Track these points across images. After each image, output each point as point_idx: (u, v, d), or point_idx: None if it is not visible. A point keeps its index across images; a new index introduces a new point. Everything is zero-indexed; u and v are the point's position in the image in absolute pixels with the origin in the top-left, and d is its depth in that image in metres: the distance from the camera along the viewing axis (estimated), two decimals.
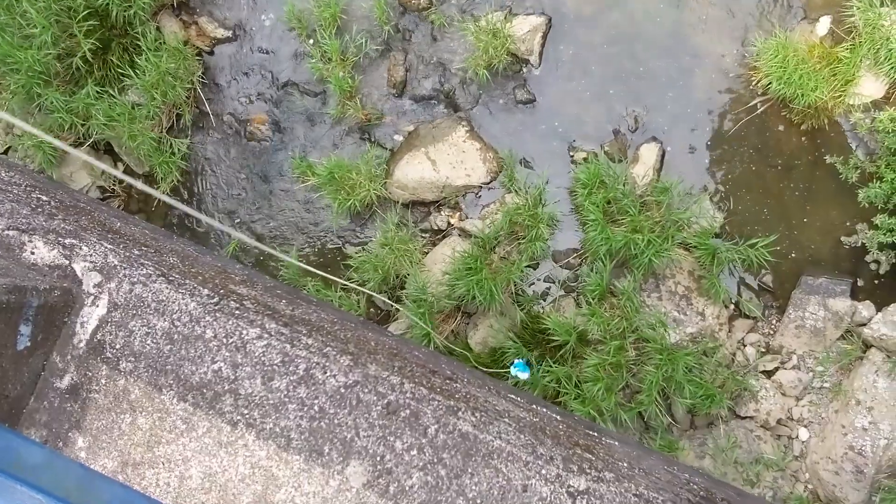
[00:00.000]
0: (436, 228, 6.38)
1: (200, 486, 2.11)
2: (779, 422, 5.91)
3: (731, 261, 5.91)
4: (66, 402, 2.17)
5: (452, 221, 6.35)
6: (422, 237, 6.36)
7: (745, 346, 6.07)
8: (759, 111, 6.05)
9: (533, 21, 6.25)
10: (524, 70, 6.31)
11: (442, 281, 6.02)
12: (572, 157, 6.26)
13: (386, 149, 6.44)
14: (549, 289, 6.24)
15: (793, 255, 6.00)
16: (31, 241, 2.26)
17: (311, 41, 6.44)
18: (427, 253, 6.32)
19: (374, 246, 6.28)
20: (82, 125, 6.27)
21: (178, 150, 6.46)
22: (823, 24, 5.88)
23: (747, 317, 6.08)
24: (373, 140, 6.45)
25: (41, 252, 2.25)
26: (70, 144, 6.28)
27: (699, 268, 6.02)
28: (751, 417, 5.92)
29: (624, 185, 6.00)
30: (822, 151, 5.94)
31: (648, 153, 6.15)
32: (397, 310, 6.24)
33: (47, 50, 6.02)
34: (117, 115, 6.18)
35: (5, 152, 6.68)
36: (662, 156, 6.17)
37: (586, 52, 6.27)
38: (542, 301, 6.23)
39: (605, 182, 6.00)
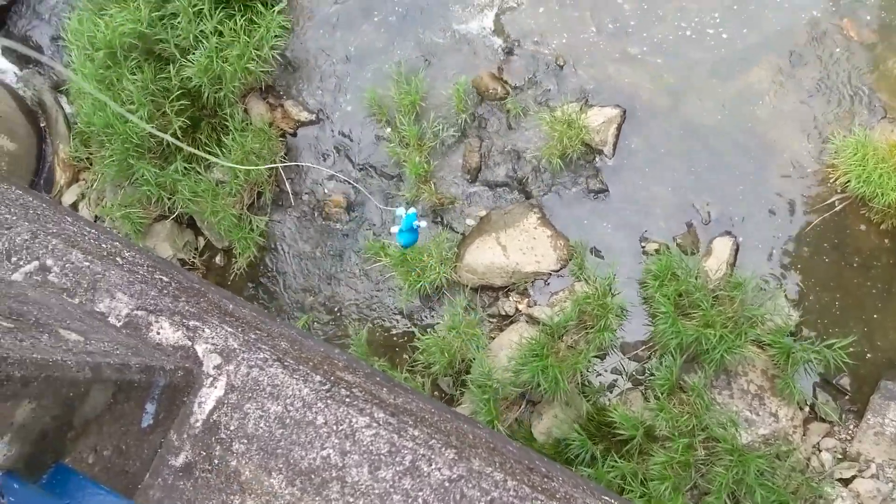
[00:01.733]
0: (503, 314, 6.46)
1: None
2: None
3: (807, 361, 5.83)
4: (179, 480, 2.29)
5: (520, 307, 6.43)
6: (489, 322, 6.45)
7: (820, 450, 5.93)
8: (836, 209, 6.07)
9: (608, 112, 6.44)
10: (598, 160, 6.47)
11: (507, 367, 6.07)
12: (644, 248, 6.33)
13: (457, 232, 6.62)
14: (616, 381, 6.23)
15: (872, 357, 5.91)
16: (157, 322, 2.42)
17: (390, 127, 6.73)
18: (494, 338, 6.39)
19: (441, 329, 6.38)
20: (169, 199, 6.60)
21: (257, 226, 6.74)
22: None
23: (823, 420, 5.96)
24: (445, 223, 6.64)
25: (167, 332, 2.41)
26: (156, 218, 6.64)
27: (773, 367, 5.95)
28: None
29: (696, 279, 6.02)
30: None
31: (722, 247, 6.19)
32: (461, 393, 6.29)
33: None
34: (202, 191, 6.50)
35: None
36: (736, 250, 6.19)
37: (660, 144, 6.41)
38: (608, 393, 6.21)
39: (676, 274, 6.04)
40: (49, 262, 2.49)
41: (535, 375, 5.84)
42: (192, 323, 2.43)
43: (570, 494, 2.32)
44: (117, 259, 2.62)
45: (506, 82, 6.69)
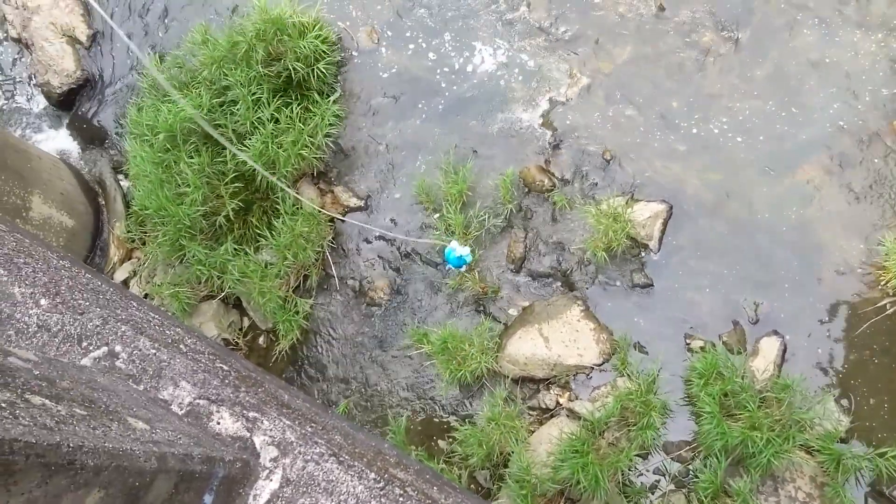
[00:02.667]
0: (544, 407, 6.50)
1: None
2: None
3: (858, 469, 5.74)
4: None
5: (562, 401, 6.47)
6: (529, 415, 6.50)
7: None
8: (888, 311, 6.06)
9: (654, 207, 6.59)
10: (643, 254, 6.59)
11: (546, 462, 6.08)
12: (688, 345, 6.36)
13: (500, 322, 6.74)
14: (658, 482, 6.18)
15: None
16: (218, 412, 2.57)
17: (437, 214, 6.96)
18: (533, 432, 6.42)
19: (480, 420, 6.44)
20: (217, 279, 6.88)
21: (302, 309, 6.94)
22: None
23: None
24: (488, 313, 6.77)
25: (226, 423, 2.55)
26: (204, 297, 6.90)
27: (822, 474, 5.86)
28: None
29: (742, 379, 6.03)
30: None
31: (769, 347, 6.20)
32: (498, 488, 6.30)
33: (196, 207, 6.75)
34: (250, 272, 6.76)
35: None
36: (784, 351, 6.19)
37: (707, 240, 6.52)
38: (650, 494, 6.16)
39: (722, 373, 6.05)
40: (118, 348, 2.68)
41: (575, 472, 5.84)
42: (251, 414, 2.58)
43: None
44: (181, 346, 2.79)
45: (553, 174, 6.90)
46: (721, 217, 6.53)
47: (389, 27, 7.61)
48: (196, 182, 6.81)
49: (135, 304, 3.08)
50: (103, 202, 8.03)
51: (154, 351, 2.71)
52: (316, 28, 7.24)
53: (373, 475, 2.49)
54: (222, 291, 7.02)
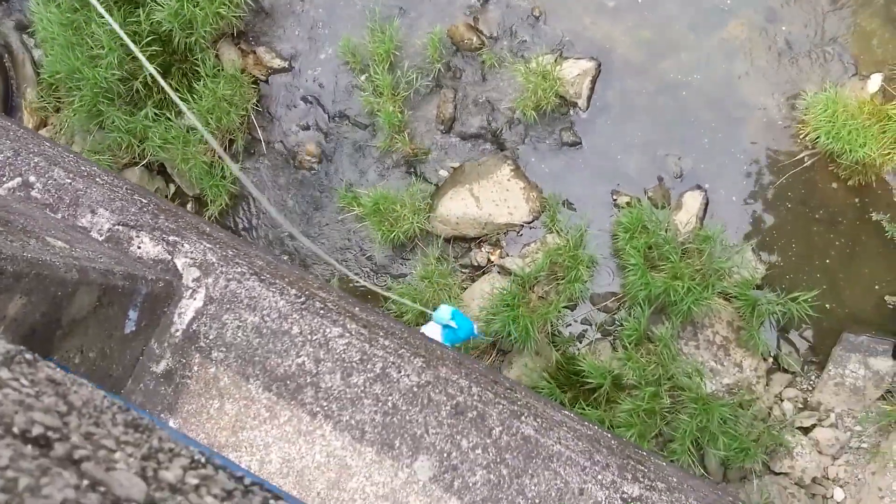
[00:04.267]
0: (476, 265, 6.67)
1: (279, 470, 2.38)
2: (814, 480, 6.05)
3: (772, 313, 6.12)
4: (160, 386, 2.46)
5: (493, 258, 6.65)
6: (461, 272, 6.66)
7: (782, 400, 6.25)
8: (805, 164, 6.32)
9: (583, 65, 6.61)
10: (572, 113, 6.66)
11: (479, 317, 6.29)
12: (615, 201, 6.55)
13: (431, 183, 6.79)
14: (585, 331, 6.48)
15: (835, 311, 6.21)
16: (138, 237, 2.58)
17: (364, 75, 6.85)
18: (466, 288, 6.61)
19: (414, 278, 6.58)
20: (139, 146, 6.70)
21: (229, 174, 6.85)
22: (874, 82, 6.17)
23: (786, 371, 6.27)
24: (418, 174, 6.81)
25: (147, 247, 2.57)
26: (125, 164, 6.73)
27: (738, 319, 6.24)
28: (785, 474, 6.07)
29: (666, 232, 6.28)
30: (868, 208, 6.19)
31: (692, 201, 6.43)
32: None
33: (112, 70, 6.48)
34: (172, 139, 6.60)
35: None
36: (706, 204, 6.44)
37: (634, 98, 6.61)
38: (578, 343, 6.47)
39: (647, 227, 6.28)
40: (32, 178, 2.64)
41: (507, 325, 6.09)
42: (171, 238, 2.60)
43: (532, 403, 2.53)
44: (97, 179, 2.77)
45: (481, 32, 6.83)
46: (649, 75, 6.60)
47: None
48: (110, 44, 6.52)
49: (48, 143, 3.02)
50: (11, 67, 7.63)
51: (70, 181, 2.68)
52: None
53: (294, 291, 2.57)
54: (144, 158, 6.85)
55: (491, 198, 6.61)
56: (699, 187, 6.47)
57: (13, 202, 2.53)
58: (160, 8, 6.54)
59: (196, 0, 6.59)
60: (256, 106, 7.03)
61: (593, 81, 6.65)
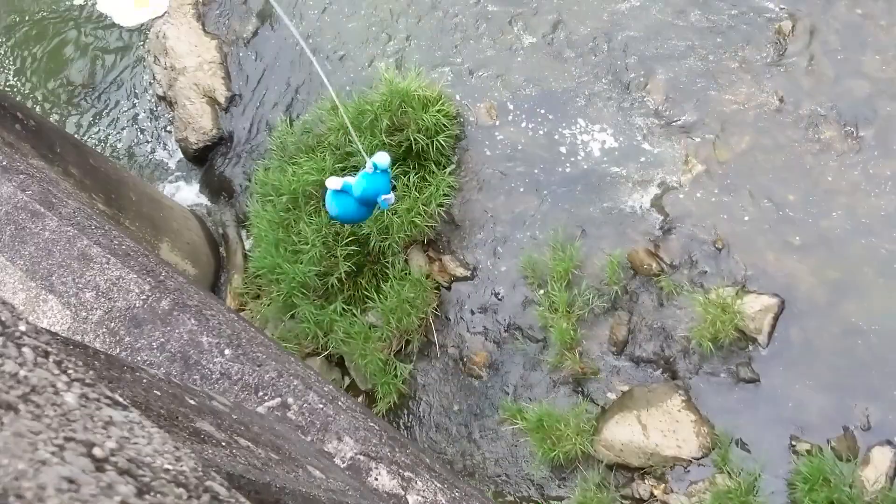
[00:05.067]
0: (637, 497, 6.63)
1: None
2: None
3: None
4: None
5: (656, 493, 6.59)
6: (621, 503, 6.62)
7: None
8: None
9: (765, 301, 6.72)
10: (750, 348, 6.70)
11: None
12: (794, 447, 6.39)
13: (598, 405, 6.96)
14: None
15: None
16: (376, 468, 2.97)
17: (542, 291, 7.31)
18: None
19: (571, 503, 6.61)
20: (323, 337, 7.44)
21: (401, 373, 7.39)
22: None
23: None
24: (586, 394, 7.01)
25: (384, 479, 2.94)
26: (308, 353, 7.47)
27: None
28: None
29: (850, 488, 6.01)
30: None
31: (881, 457, 6.16)
32: None
33: (311, 266, 7.37)
34: (355, 333, 7.30)
35: None
36: None
37: (819, 339, 6.58)
38: None
39: (829, 480, 6.05)
40: (290, 400, 3.14)
41: None
42: (406, 474, 2.96)
43: None
44: (339, 402, 3.24)
45: (661, 259, 7.15)
46: (836, 317, 6.59)
47: (508, 105, 8.16)
48: (314, 240, 7.45)
49: (293, 359, 3.57)
50: (224, 254, 8.83)
51: (321, 406, 3.16)
52: (439, 102, 7.88)
53: None
54: (326, 349, 7.56)
55: (659, 427, 6.65)
56: (889, 443, 6.19)
57: (273, 422, 3.02)
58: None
59: (395, 209, 7.44)
60: (436, 310, 7.65)
61: (775, 318, 6.71)
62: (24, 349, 1.34)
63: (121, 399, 1.58)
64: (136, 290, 3.48)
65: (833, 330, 6.57)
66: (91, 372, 1.59)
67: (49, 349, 1.45)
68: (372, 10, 9.33)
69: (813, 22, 7.49)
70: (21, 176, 4.12)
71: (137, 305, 3.43)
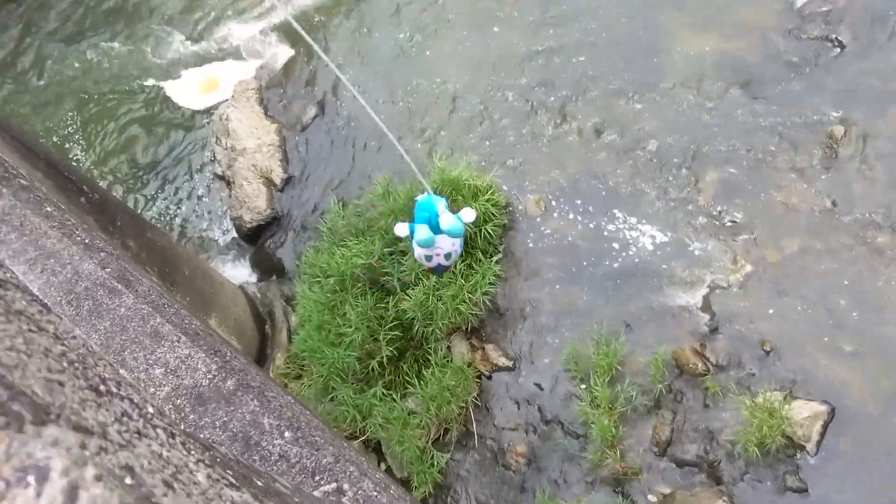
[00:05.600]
0: None
1: None
2: None
3: None
4: None
5: None
6: None
7: None
8: None
9: (814, 407, 6.58)
10: (798, 456, 6.54)
11: None
12: None
13: None
14: None
15: None
16: None
17: (584, 385, 7.28)
18: None
19: None
20: (362, 421, 7.48)
21: (438, 462, 7.36)
22: None
23: None
24: (626, 495, 6.89)
25: None
26: (346, 437, 7.50)
27: None
28: None
29: None
30: None
31: None
32: None
33: (352, 351, 7.47)
34: (393, 419, 7.32)
35: None
36: None
37: (872, 451, 6.40)
38: None
39: None
40: (346, 486, 3.20)
41: None
42: None
43: None
44: (391, 491, 3.29)
45: (707, 359, 7.09)
46: (890, 428, 6.41)
47: (557, 197, 8.32)
48: (358, 324, 7.57)
49: (346, 444, 3.65)
50: (269, 332, 8.99)
51: (376, 494, 3.22)
52: (489, 192, 8.06)
53: None
54: (364, 434, 7.58)
55: None
56: None
57: None
58: (408, 298, 7.57)
59: (440, 294, 7.55)
60: (476, 399, 7.65)
61: (825, 426, 6.56)
62: (159, 430, 1.45)
63: (234, 480, 1.67)
64: (203, 369, 3.62)
65: (886, 442, 6.39)
66: (208, 453, 1.70)
67: (174, 430, 1.56)
68: (432, 100, 9.67)
69: (866, 128, 7.56)
70: (102, 254, 4.35)
71: (203, 384, 3.57)
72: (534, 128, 9.01)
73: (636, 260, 7.75)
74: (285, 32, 11.92)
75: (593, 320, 7.55)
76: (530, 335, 7.81)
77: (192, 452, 1.31)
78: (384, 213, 8.29)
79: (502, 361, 7.80)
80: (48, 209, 4.63)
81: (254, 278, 9.76)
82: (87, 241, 4.41)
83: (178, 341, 3.78)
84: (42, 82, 12.76)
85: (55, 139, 11.66)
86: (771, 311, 7.08)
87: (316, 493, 3.11)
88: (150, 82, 11.93)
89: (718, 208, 7.67)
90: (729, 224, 7.57)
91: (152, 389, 3.53)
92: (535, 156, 8.79)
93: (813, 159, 7.60)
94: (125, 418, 1.33)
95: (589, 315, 7.64)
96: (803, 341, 6.88)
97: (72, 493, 1.03)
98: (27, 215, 4.43)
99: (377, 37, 10.99)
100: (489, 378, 7.81)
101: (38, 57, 13.24)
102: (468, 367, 7.71)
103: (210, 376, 3.59)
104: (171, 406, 3.43)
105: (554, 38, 9.88)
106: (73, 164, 10.97)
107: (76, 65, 12.77)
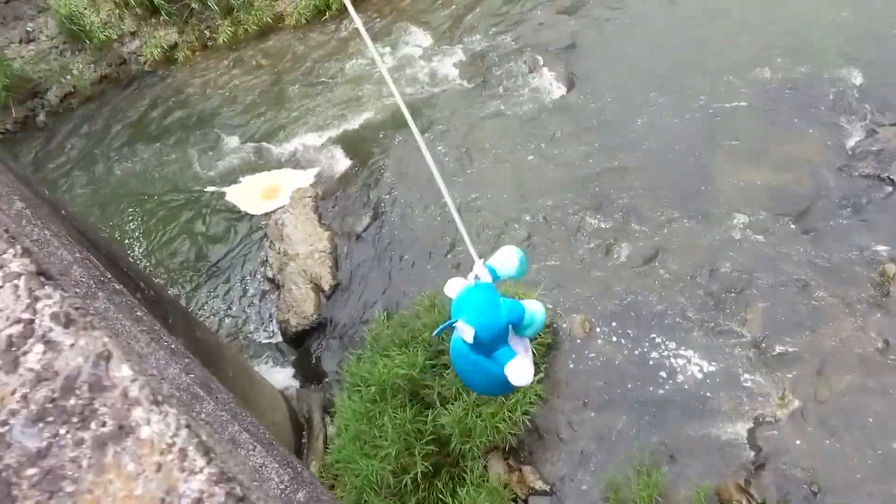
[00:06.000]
0: None
1: None
2: None
3: None
4: None
5: None
6: None
7: None
8: None
9: None
10: None
11: None
12: None
13: None
14: None
15: None
16: None
17: None
18: None
19: None
20: None
21: None
22: None
23: None
24: None
25: None
26: None
27: None
28: None
29: None
30: None
31: None
32: None
33: (387, 463, 7.40)
34: None
35: None
36: None
37: None
38: None
39: None
40: None
41: None
42: None
43: None
44: None
45: (752, 496, 6.89)
46: None
47: (603, 320, 8.32)
48: (394, 437, 7.52)
49: None
50: (306, 439, 8.97)
51: None
52: None
53: None
54: None
55: None
56: None
57: None
58: (447, 413, 7.54)
59: (479, 412, 7.51)
60: None
61: None
62: None
63: None
64: (276, 479, 3.66)
65: None
66: None
67: None
68: (485, 220, 9.89)
69: None
70: (186, 360, 4.48)
71: (276, 494, 3.60)
72: (582, 250, 9.13)
73: (681, 388, 7.66)
74: (344, 143, 12.39)
75: (634, 448, 7.42)
76: (569, 459, 7.68)
77: None
78: (428, 326, 8.35)
79: (539, 485, 7.65)
80: (138, 313, 4.81)
81: (295, 383, 9.81)
82: (172, 346, 4.54)
83: (254, 450, 3.83)
84: (110, 179, 13.38)
85: (116, 234, 12.12)
86: (819, 450, 6.89)
87: None
88: (211, 189, 12.42)
89: (767, 340, 7.60)
90: (777, 357, 7.48)
91: None
92: (583, 278, 8.86)
93: (864, 296, 7.55)
94: None
95: (630, 442, 7.51)
96: (854, 484, 6.66)
97: None
98: (119, 318, 4.62)
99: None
100: (525, 502, 7.65)
101: (105, 155, 13.93)
102: (504, 488, 7.56)
103: (282, 486, 3.62)
104: None
105: (605, 163, 10.12)
106: (133, 261, 11.35)
107: (139, 167, 13.40)
